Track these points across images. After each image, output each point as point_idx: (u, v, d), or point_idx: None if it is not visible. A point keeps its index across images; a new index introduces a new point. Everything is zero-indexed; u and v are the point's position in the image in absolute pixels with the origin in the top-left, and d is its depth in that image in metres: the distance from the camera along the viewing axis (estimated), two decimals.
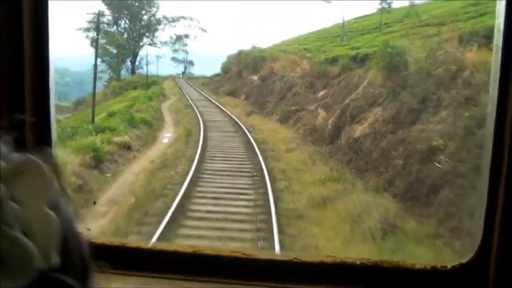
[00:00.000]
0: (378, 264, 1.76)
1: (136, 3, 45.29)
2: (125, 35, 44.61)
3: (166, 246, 1.92)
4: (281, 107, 21.43)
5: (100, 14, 32.94)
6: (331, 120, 15.87)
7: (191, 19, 43.45)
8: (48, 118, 1.74)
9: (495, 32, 1.58)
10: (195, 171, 11.16)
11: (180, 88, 35.76)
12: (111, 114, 18.54)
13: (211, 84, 39.94)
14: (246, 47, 38.19)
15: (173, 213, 8.41)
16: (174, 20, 45.25)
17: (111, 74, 43.57)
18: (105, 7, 42.47)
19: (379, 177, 10.57)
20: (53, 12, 1.67)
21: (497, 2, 1.53)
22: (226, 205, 9.25)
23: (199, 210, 8.96)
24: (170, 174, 11.35)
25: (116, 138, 14.14)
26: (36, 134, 1.67)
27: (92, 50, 32.36)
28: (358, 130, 13.62)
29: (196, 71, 50.33)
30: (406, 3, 31.03)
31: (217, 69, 47.43)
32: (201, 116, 20.79)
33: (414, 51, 13.66)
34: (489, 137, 1.56)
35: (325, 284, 1.76)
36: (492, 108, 1.55)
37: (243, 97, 28.59)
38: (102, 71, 41.10)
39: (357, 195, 9.31)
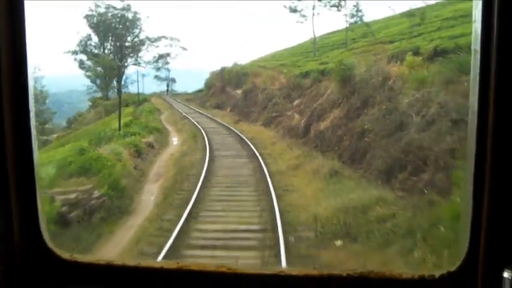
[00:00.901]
0: (365, 275, 1.85)
1: (121, 26, 51.60)
2: (111, 56, 50.96)
3: (152, 263, 2.00)
4: (264, 114, 27.99)
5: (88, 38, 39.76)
6: (303, 120, 22.51)
7: (172, 38, 49.92)
8: (30, 140, 1.89)
9: (472, 36, 1.70)
10: (209, 155, 17.78)
11: (169, 104, 42.07)
12: (127, 125, 24.94)
13: (196, 99, 46.26)
14: (225, 63, 44.94)
15: (204, 177, 14.90)
16: (156, 40, 51.75)
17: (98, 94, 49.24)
18: (91, 30, 48.95)
19: (334, 152, 17.23)
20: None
21: (473, 5, 1.65)
22: (235, 172, 15.86)
23: (218, 175, 15.52)
24: (191, 159, 17.90)
25: (143, 140, 20.59)
26: (17, 160, 1.86)
27: (71, 71, 38.90)
28: (322, 125, 20.30)
29: (178, 87, 56.83)
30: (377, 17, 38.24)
31: (197, 85, 54.24)
32: (198, 124, 27.35)
33: (359, 67, 20.46)
34: (471, 143, 1.68)
35: None
36: (473, 114, 1.67)
37: (229, 109, 35.17)
38: (87, 92, 47.57)
39: (317, 162, 16.00)
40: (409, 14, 25.79)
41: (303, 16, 36.97)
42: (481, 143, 1.65)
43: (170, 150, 21.00)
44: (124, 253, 9.17)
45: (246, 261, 8.54)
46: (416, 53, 19.20)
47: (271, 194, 12.51)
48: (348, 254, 8.77)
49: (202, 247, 9.23)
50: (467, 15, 19.95)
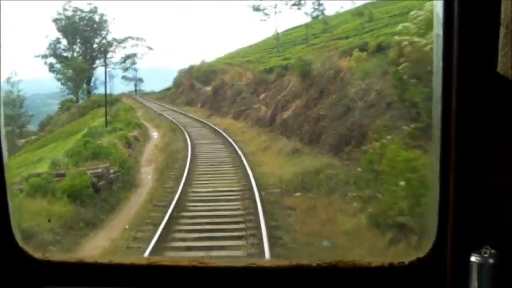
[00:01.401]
0: (334, 264, 1.93)
1: (88, 28, 54.65)
2: (80, 59, 54.05)
3: (123, 260, 2.06)
4: (233, 108, 32.01)
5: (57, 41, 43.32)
6: (269, 112, 26.68)
7: (137, 39, 53.42)
8: None
9: (434, 20, 1.81)
10: (191, 143, 21.81)
11: (141, 103, 45.63)
12: (110, 122, 28.64)
13: (166, 98, 49.87)
14: (190, 61, 48.65)
15: (190, 158, 18.92)
16: (122, 41, 55.00)
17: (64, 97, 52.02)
18: (60, 34, 52.17)
19: (296, 136, 21.44)
20: None
21: None
22: (215, 155, 19.94)
23: (201, 157, 19.56)
24: (175, 147, 21.86)
25: (129, 134, 24.42)
26: None
27: (33, 76, 42.35)
28: (286, 114, 24.53)
29: (145, 87, 60.31)
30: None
31: (163, 84, 57.95)
32: (174, 120, 31.25)
33: (315, 61, 24.73)
34: (436, 128, 1.79)
35: (283, 287, 1.98)
36: (436, 99, 1.78)
37: (199, 105, 39.08)
38: (61, 95, 50.79)
39: (281, 144, 20.21)
40: (359, 13, 30.20)
41: (266, 14, 41.19)
42: (445, 130, 1.77)
43: (154, 142, 24.91)
44: (141, 209, 13.18)
45: (232, 209, 12.65)
46: (363, 49, 23.55)
47: (245, 167, 16.66)
48: (303, 200, 13.00)
49: (199, 201, 13.32)
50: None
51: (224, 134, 24.02)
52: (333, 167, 15.32)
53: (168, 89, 55.89)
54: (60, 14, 52.94)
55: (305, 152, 18.58)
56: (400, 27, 13.40)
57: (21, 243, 2.13)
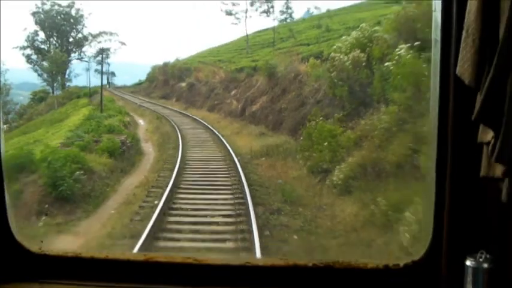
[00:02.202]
0: (330, 265, 2.08)
1: (65, 22, 60.89)
2: (57, 51, 60.29)
3: (119, 255, 2.21)
4: (208, 102, 39.47)
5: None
6: (240, 105, 34.27)
7: (111, 33, 60.07)
8: None
9: (433, 25, 1.95)
10: (180, 127, 29.23)
11: (118, 96, 52.40)
12: (101, 111, 35.65)
13: (140, 91, 56.72)
14: (160, 58, 55.71)
15: (181, 137, 26.31)
16: (97, 36, 61.48)
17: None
18: (37, 27, 58.51)
19: (262, 124, 29.07)
20: None
21: None
22: (199, 136, 27.42)
23: (189, 138, 26.98)
24: (165, 130, 29.21)
25: (124, 119, 31.59)
26: None
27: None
28: (254, 107, 32.16)
29: (116, 81, 66.99)
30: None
31: (132, 79, 64.85)
32: (155, 110, 38.48)
33: (280, 65, 32.38)
34: (433, 131, 1.93)
35: (278, 286, 2.14)
36: (434, 102, 1.92)
37: (174, 99, 46.32)
38: (24, 87, 57.03)
39: (250, 129, 27.87)
40: (317, 25, 38.15)
41: (237, 19, 48.73)
42: (441, 134, 1.90)
43: (143, 127, 32.16)
44: (154, 164, 20.52)
45: (218, 166, 20.06)
46: (318, 56, 31.36)
47: (224, 143, 24.18)
48: (266, 161, 20.59)
49: (195, 160, 20.76)
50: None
51: (203, 122, 31.51)
52: (288, 143, 22.94)
53: (140, 83, 62.91)
54: (38, 7, 59.13)
55: (269, 135, 26.22)
56: (335, 46, 21.21)
57: (18, 237, 2.36)
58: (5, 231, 2.31)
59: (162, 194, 15.23)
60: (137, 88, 60.85)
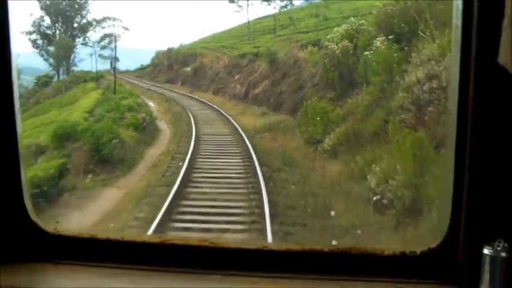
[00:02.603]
0: (347, 251, 2.13)
1: (70, 8, 64.73)
2: (62, 37, 64.23)
3: (135, 237, 2.31)
4: (212, 86, 43.80)
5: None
6: (243, 89, 38.62)
7: (114, 19, 64.02)
8: (13, 112, 2.32)
9: (454, 11, 1.97)
10: (188, 108, 33.63)
11: (124, 79, 56.55)
12: (115, 93, 39.95)
13: (145, 76, 60.85)
14: (162, 43, 59.60)
15: (192, 116, 30.68)
16: (101, 21, 65.35)
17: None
18: (43, 12, 62.45)
19: (264, 105, 33.42)
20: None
21: None
22: (208, 116, 31.82)
23: (198, 117, 31.35)
24: (176, 110, 33.59)
25: (137, 100, 35.92)
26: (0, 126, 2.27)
27: None
28: (256, 91, 36.52)
29: (119, 66, 70.96)
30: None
31: (134, 64, 68.96)
32: (163, 94, 42.79)
33: (280, 51, 36.63)
34: (452, 119, 1.96)
35: (294, 271, 2.19)
36: (453, 91, 1.96)
37: (179, 83, 50.58)
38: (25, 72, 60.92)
39: (253, 110, 32.29)
40: (315, 15, 42.40)
41: (240, 6, 52.83)
42: (461, 121, 1.92)
43: (154, 108, 36.48)
44: (171, 138, 24.88)
45: (228, 139, 24.41)
46: (315, 44, 35.63)
47: (231, 121, 28.55)
48: (269, 135, 24.98)
49: (208, 134, 25.14)
50: (360, 13, 36.57)
51: (209, 104, 35.89)
52: (288, 120, 27.31)
53: (143, 68, 67.11)
54: None
55: (270, 114, 30.61)
56: (329, 36, 25.54)
57: (33, 217, 2.41)
58: (21, 212, 2.40)
59: (184, 159, 19.60)
60: (141, 73, 64.86)
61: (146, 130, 25.39)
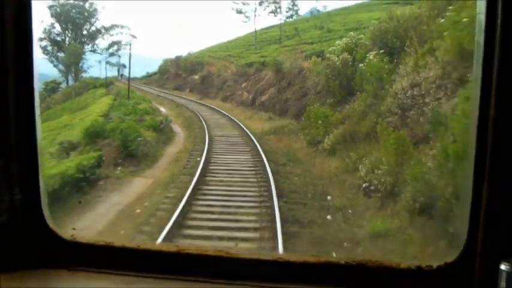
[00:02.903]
0: (363, 263, 2.17)
1: (79, 16, 68.47)
2: (72, 43, 67.97)
3: (151, 245, 2.32)
4: (220, 94, 47.48)
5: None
6: (250, 96, 42.29)
7: (122, 27, 67.84)
8: (34, 121, 2.36)
9: (476, 27, 1.99)
10: (199, 113, 37.28)
11: (133, 86, 60.25)
12: (129, 98, 43.64)
13: (153, 83, 64.60)
14: (168, 52, 63.58)
15: (203, 119, 34.31)
16: (109, 29, 69.10)
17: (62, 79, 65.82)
18: (53, 19, 66.21)
19: (270, 111, 37.05)
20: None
21: None
22: (218, 121, 35.47)
23: (209, 122, 34.98)
24: (187, 115, 37.25)
25: (150, 105, 39.56)
26: (20, 132, 2.32)
27: None
28: (263, 98, 40.17)
29: (126, 72, 74.51)
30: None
31: (142, 71, 72.70)
32: (173, 100, 46.45)
33: (286, 61, 40.26)
34: (472, 134, 1.97)
35: (309, 283, 2.23)
36: (474, 107, 1.97)
37: (188, 90, 54.30)
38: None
39: (261, 115, 35.94)
40: (320, 27, 46.15)
41: (247, 17, 56.63)
42: (481, 136, 1.95)
43: (166, 113, 40.12)
44: (186, 139, 28.49)
45: (238, 140, 27.99)
46: (319, 55, 39.32)
47: (240, 125, 32.15)
48: (275, 137, 28.58)
49: (219, 136, 28.74)
50: (362, 26, 40.19)
51: (219, 109, 39.55)
52: (292, 124, 30.89)
53: (149, 75, 70.84)
54: (54, 1, 66.87)
55: (276, 119, 34.23)
56: (330, 48, 29.21)
57: (51, 225, 2.47)
58: (38, 218, 2.45)
59: (201, 155, 23.20)
60: (148, 80, 68.48)
61: (163, 131, 28.99)
